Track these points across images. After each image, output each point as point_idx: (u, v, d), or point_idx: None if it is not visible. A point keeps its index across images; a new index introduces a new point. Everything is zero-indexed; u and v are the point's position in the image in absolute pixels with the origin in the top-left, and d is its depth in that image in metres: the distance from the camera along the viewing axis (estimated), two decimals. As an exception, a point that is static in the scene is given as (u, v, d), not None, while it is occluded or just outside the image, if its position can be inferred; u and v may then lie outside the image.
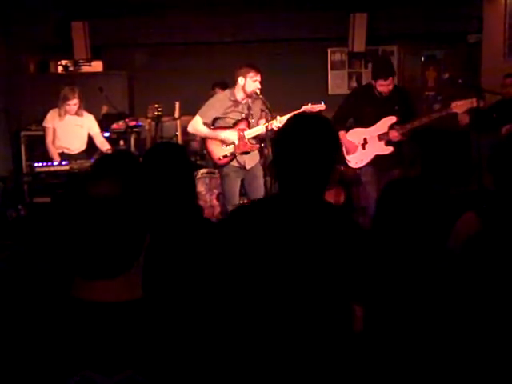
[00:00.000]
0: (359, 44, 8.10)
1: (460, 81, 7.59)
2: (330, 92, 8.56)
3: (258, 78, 4.79)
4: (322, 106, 4.93)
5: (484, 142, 5.29)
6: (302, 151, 1.58)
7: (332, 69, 8.71)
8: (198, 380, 1.08)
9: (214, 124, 4.95)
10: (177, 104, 7.16)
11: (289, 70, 7.94)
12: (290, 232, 1.59)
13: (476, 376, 1.79)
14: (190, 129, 5.09)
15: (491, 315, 1.86)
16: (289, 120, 1.73)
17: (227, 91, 5.04)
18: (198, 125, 4.94)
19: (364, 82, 8.50)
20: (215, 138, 4.93)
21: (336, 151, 1.65)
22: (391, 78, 4.96)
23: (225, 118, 4.92)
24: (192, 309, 1.17)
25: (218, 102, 4.97)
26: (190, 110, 7.58)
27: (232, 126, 4.94)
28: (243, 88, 4.84)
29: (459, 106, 4.87)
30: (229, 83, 7.01)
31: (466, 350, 1.78)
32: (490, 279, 1.87)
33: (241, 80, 4.82)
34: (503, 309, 1.85)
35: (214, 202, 6.28)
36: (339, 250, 1.60)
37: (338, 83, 8.67)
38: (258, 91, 4.77)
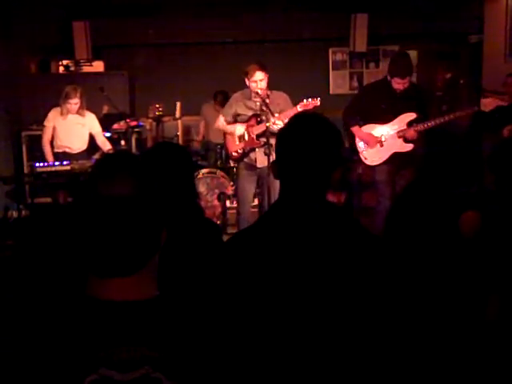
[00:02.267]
0: (360, 44, 8.11)
1: (461, 81, 7.60)
2: (331, 92, 8.56)
3: (256, 78, 4.76)
4: (316, 102, 4.91)
5: (486, 143, 5.28)
6: (304, 151, 1.57)
7: (333, 69, 8.71)
8: (214, 377, 1.09)
9: (236, 120, 5.13)
10: (178, 104, 7.17)
11: (290, 69, 7.94)
12: (304, 248, 1.53)
13: None
14: (216, 126, 5.41)
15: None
16: (290, 120, 1.72)
17: (244, 90, 5.04)
18: (220, 122, 5.24)
19: (365, 82, 8.50)
20: (228, 132, 5.19)
21: (339, 151, 1.63)
22: (408, 77, 4.85)
23: (241, 114, 5.06)
24: (192, 307, 1.17)
25: (234, 99, 5.14)
26: (191, 110, 7.64)
27: (245, 122, 5.06)
28: (249, 85, 4.87)
29: (487, 104, 4.77)
30: (225, 88, 7.06)
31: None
32: (490, 277, 1.87)
33: (246, 80, 4.85)
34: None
35: (215, 202, 6.28)
36: (354, 262, 1.54)
37: (339, 83, 8.68)
38: (260, 91, 4.76)
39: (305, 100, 4.91)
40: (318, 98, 4.92)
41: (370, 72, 8.66)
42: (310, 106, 4.87)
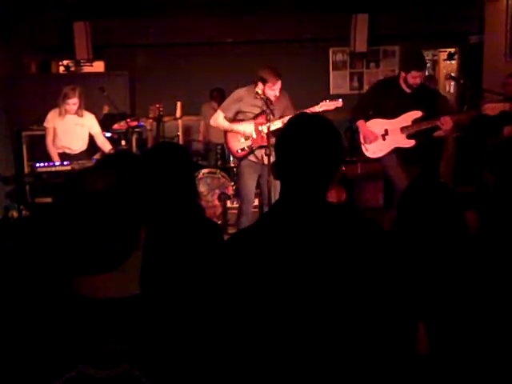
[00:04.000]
0: (361, 44, 8.11)
1: (462, 81, 7.59)
2: (331, 92, 8.55)
3: (277, 87, 4.73)
4: (338, 103, 4.89)
5: (486, 143, 5.29)
6: (303, 152, 1.57)
7: (334, 69, 8.71)
8: (195, 376, 1.09)
9: (236, 118, 4.99)
10: (178, 104, 7.16)
11: (290, 70, 7.90)
12: (306, 248, 1.53)
13: None
14: (212, 123, 5.15)
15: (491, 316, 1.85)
16: (290, 120, 1.72)
17: (248, 86, 4.96)
18: (219, 118, 5.01)
19: (365, 82, 8.52)
20: (234, 131, 4.99)
21: (339, 152, 1.63)
22: (424, 69, 4.92)
23: (245, 112, 4.95)
24: (190, 307, 1.17)
25: (239, 96, 4.98)
26: (192, 110, 7.64)
27: (251, 119, 4.96)
28: (263, 90, 4.79)
29: (491, 108, 4.79)
30: (225, 88, 7.06)
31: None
32: (488, 278, 1.87)
33: (260, 85, 4.76)
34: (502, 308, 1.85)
35: (216, 202, 6.28)
36: (364, 259, 1.54)
37: (339, 83, 8.68)
38: (273, 97, 4.76)
39: (327, 101, 4.89)
40: (340, 99, 4.92)
41: (371, 72, 8.66)
42: (332, 107, 4.85)
